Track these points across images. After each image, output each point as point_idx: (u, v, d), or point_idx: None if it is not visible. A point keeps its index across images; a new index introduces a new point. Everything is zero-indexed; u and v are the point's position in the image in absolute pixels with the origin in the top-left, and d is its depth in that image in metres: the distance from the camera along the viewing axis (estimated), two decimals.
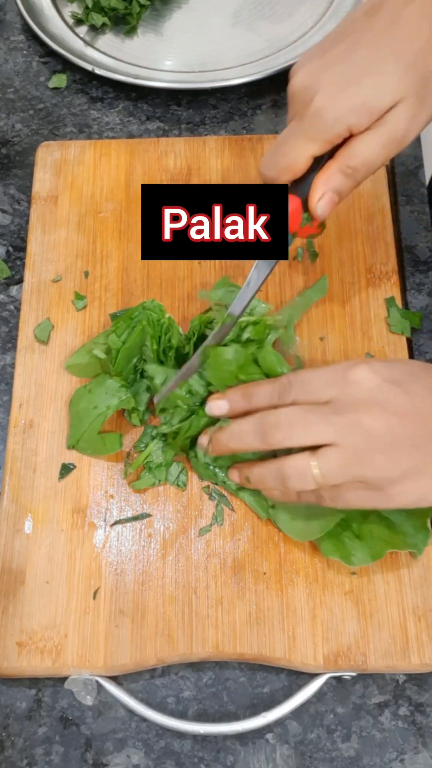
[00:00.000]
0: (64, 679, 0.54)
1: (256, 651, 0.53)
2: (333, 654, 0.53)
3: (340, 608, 0.54)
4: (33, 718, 0.54)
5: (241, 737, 0.53)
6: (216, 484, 0.58)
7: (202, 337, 0.59)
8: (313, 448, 0.49)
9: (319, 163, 0.51)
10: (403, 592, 0.54)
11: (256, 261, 0.54)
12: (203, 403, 0.56)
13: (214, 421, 0.56)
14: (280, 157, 0.51)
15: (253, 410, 0.53)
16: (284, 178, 0.52)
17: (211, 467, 0.58)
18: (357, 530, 0.54)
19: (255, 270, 0.54)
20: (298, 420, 0.49)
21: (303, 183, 0.51)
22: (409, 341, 0.63)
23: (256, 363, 0.56)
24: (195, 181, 0.69)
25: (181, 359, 0.59)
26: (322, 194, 0.51)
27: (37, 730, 0.53)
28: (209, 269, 0.66)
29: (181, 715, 0.53)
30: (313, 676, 0.53)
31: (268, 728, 0.53)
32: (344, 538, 0.54)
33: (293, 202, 0.52)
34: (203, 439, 0.56)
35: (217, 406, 0.54)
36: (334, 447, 0.48)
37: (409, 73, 0.48)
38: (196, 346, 0.58)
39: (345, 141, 0.50)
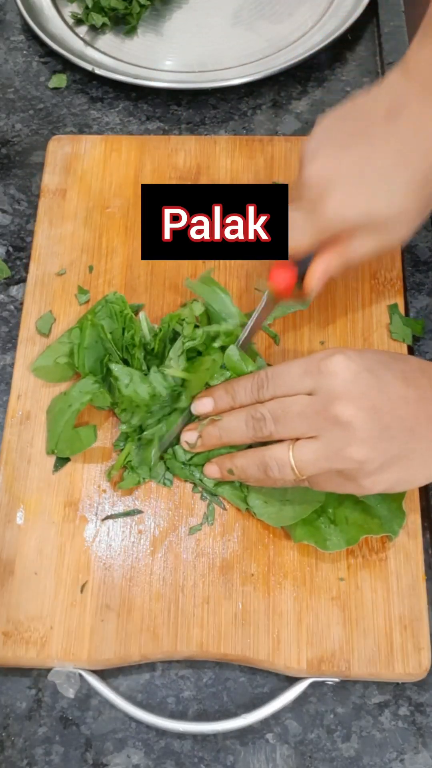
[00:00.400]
0: None
1: (239, 652, 0.53)
2: (317, 659, 0.52)
3: (326, 613, 0.54)
4: (33, 718, 0.54)
5: (241, 737, 0.53)
6: (194, 483, 0.58)
7: (173, 336, 0.59)
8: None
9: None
10: (390, 601, 0.54)
11: (258, 308, 0.57)
12: (164, 406, 0.57)
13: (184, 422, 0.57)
14: (288, 240, 0.54)
15: (236, 406, 0.55)
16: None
17: (188, 467, 0.58)
18: (332, 515, 0.55)
19: (256, 314, 0.57)
20: (280, 414, 0.51)
21: (299, 263, 0.55)
22: (410, 349, 0.63)
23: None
24: (204, 180, 0.69)
25: (148, 355, 0.59)
26: (319, 278, 0.55)
27: (37, 730, 0.53)
28: (214, 268, 0.65)
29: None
30: (296, 680, 0.53)
31: (268, 728, 0.53)
32: (319, 523, 0.54)
33: (291, 273, 0.56)
34: (190, 436, 0.56)
35: (202, 404, 0.56)
36: (312, 439, 0.50)
37: (418, 191, 0.53)
38: (164, 343, 0.59)
39: None
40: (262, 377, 0.53)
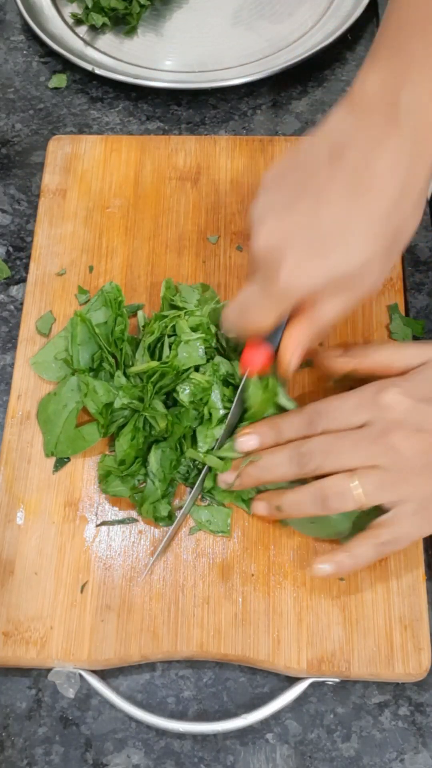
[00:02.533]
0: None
1: (240, 652, 0.53)
2: (317, 659, 0.52)
3: (327, 613, 0.54)
4: (33, 718, 0.54)
5: (241, 737, 0.53)
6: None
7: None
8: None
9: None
10: (390, 601, 0.54)
11: (237, 396, 0.55)
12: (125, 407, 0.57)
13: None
14: (247, 320, 0.51)
15: (282, 442, 0.54)
16: (249, 337, 0.53)
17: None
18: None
19: (235, 403, 0.55)
20: (332, 447, 0.50)
21: (272, 337, 0.52)
22: None
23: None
24: (204, 180, 0.70)
25: (134, 347, 0.60)
26: (292, 354, 0.51)
27: (37, 730, 0.53)
28: (214, 268, 0.66)
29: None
30: (296, 680, 0.53)
31: (268, 728, 0.53)
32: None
33: (266, 353, 0.52)
34: (228, 476, 0.55)
35: (247, 441, 0.54)
36: (374, 468, 0.49)
37: (378, 235, 0.46)
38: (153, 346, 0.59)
39: None
40: (312, 413, 0.52)
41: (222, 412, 0.56)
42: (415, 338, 0.64)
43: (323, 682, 0.53)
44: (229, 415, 0.55)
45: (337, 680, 0.53)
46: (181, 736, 0.53)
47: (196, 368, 0.57)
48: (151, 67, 0.78)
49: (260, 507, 0.55)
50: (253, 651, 0.53)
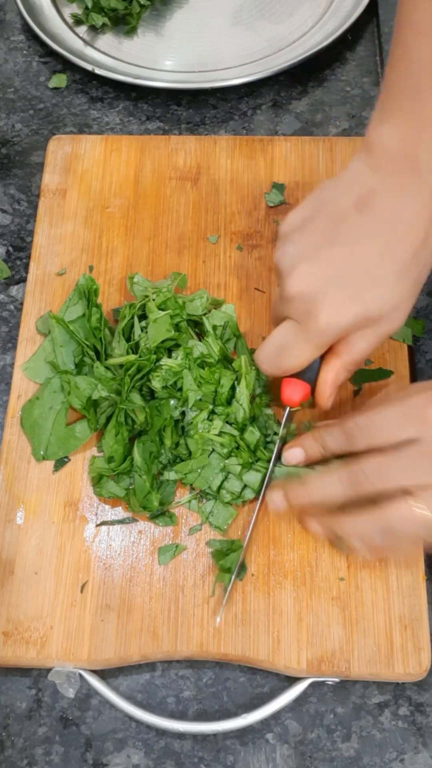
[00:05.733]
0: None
1: (239, 652, 0.53)
2: (317, 659, 0.52)
3: (327, 613, 0.54)
4: (33, 718, 0.54)
5: (241, 737, 0.53)
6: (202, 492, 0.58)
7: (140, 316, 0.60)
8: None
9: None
10: (390, 600, 0.54)
11: (281, 428, 0.57)
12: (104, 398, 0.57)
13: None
14: (285, 360, 0.53)
15: (328, 455, 0.54)
16: (287, 375, 0.55)
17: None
18: None
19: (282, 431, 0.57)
20: (385, 470, 0.49)
21: (306, 369, 0.54)
22: (410, 348, 0.63)
23: None
24: (204, 180, 0.70)
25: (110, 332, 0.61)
26: (331, 392, 0.54)
27: (37, 730, 0.53)
28: (214, 268, 0.66)
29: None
30: (296, 680, 0.53)
31: (268, 728, 0.53)
32: None
33: (305, 389, 0.55)
34: (277, 497, 0.54)
35: (293, 454, 0.55)
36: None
37: (406, 279, 0.50)
38: (124, 330, 0.60)
39: None
40: (351, 427, 0.52)
41: (197, 395, 0.56)
42: (415, 338, 0.64)
43: (323, 682, 0.53)
44: (275, 449, 0.56)
45: (337, 680, 0.53)
46: (181, 736, 0.53)
47: (169, 352, 0.58)
48: (151, 67, 0.78)
49: (314, 525, 0.55)
50: (253, 651, 0.53)
